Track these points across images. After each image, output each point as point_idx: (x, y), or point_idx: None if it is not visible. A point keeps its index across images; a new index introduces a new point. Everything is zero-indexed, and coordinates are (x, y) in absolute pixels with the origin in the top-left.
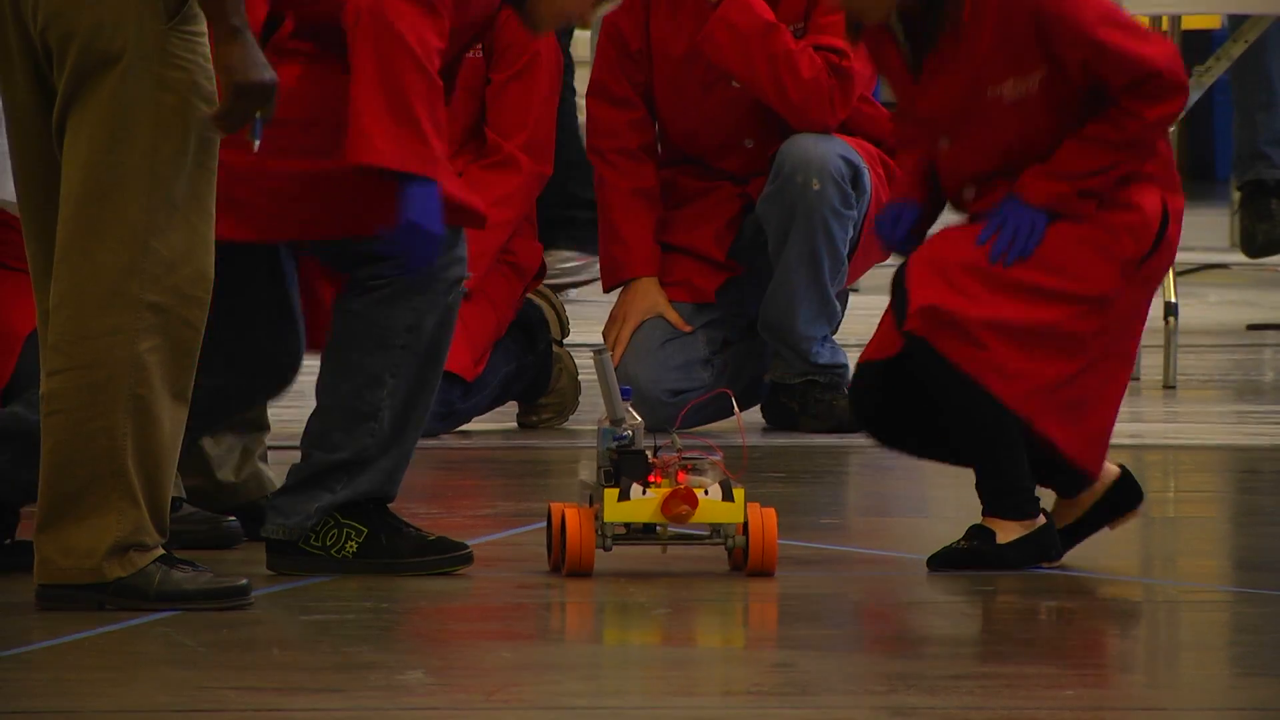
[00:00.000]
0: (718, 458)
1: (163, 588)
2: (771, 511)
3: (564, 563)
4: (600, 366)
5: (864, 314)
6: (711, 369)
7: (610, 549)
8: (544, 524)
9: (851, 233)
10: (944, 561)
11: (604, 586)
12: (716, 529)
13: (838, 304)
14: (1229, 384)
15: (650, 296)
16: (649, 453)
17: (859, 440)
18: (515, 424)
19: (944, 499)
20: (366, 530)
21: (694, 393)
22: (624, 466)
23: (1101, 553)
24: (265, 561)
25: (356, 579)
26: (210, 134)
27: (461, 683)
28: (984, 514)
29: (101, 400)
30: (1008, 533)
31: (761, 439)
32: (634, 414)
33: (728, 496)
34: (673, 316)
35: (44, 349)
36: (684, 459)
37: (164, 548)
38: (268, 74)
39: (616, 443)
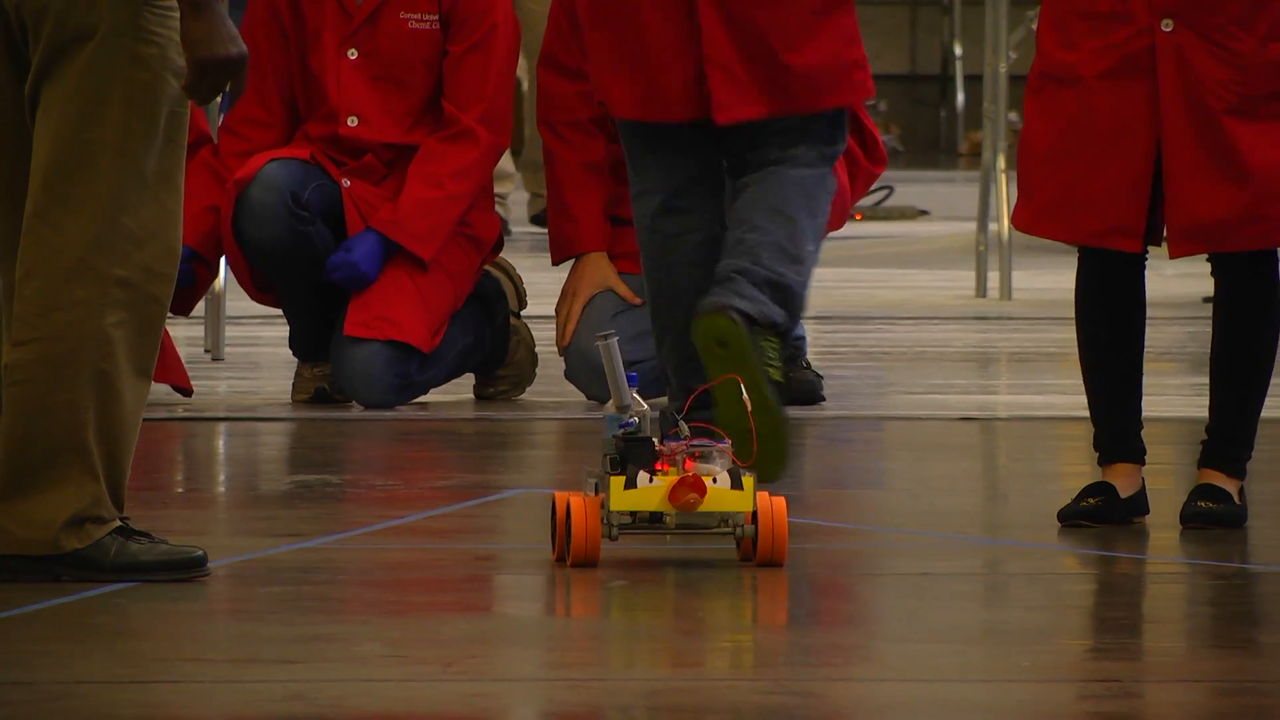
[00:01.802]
0: (726, 445)
1: (118, 559)
2: (781, 500)
3: (569, 553)
4: (606, 353)
5: (823, 287)
6: None
7: (616, 538)
8: (499, 495)
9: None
10: (1201, 518)
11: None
12: (725, 518)
13: None
14: (1185, 356)
15: (600, 271)
16: (656, 440)
17: (816, 412)
18: (472, 396)
19: (900, 471)
20: None
21: (647, 363)
22: (630, 454)
23: (1059, 525)
24: (219, 534)
25: (312, 551)
26: (182, 109)
27: (418, 654)
28: (1219, 467)
29: (65, 373)
30: (1234, 489)
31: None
32: (640, 401)
33: (736, 485)
34: (623, 290)
35: (9, 321)
36: (691, 446)
37: (121, 520)
38: (234, 48)
39: (622, 429)
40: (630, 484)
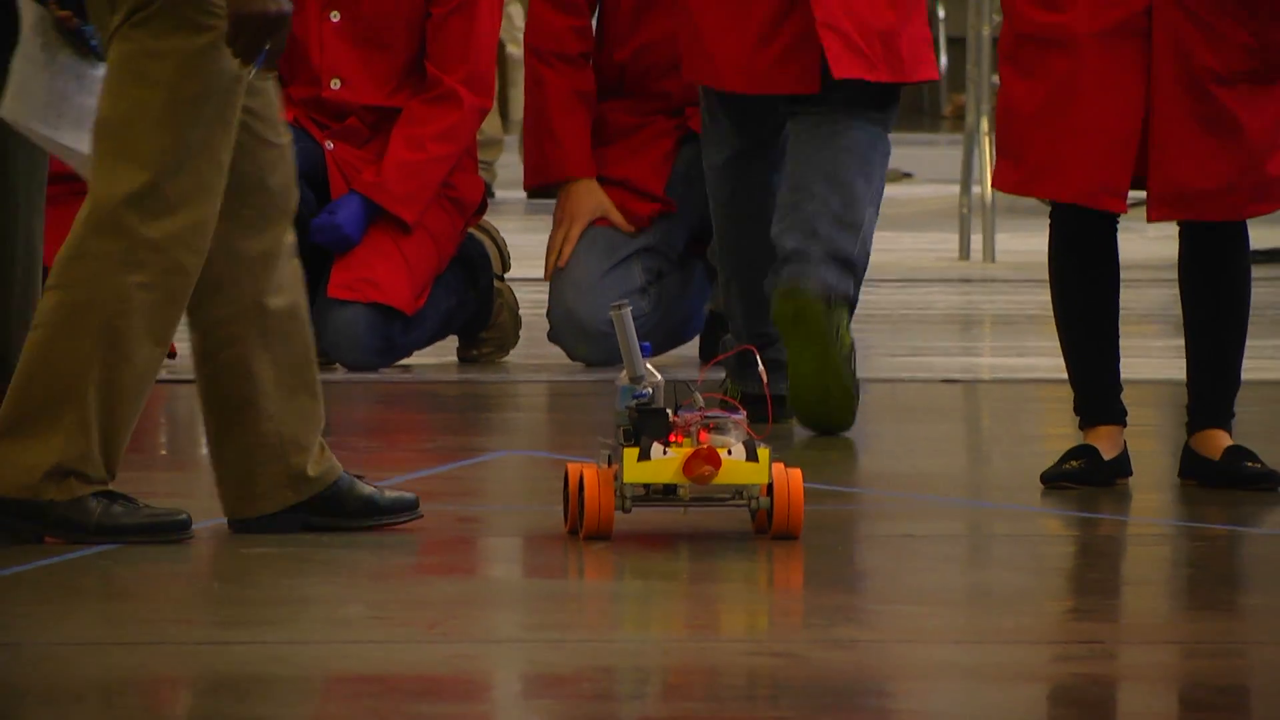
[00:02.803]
0: (741, 416)
1: (102, 521)
2: (797, 472)
3: (581, 526)
4: (619, 322)
5: None
6: (648, 298)
7: (630, 510)
8: (483, 458)
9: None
10: (1238, 479)
11: (544, 520)
12: (739, 490)
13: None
14: (1166, 318)
15: (595, 196)
16: (670, 411)
17: None
18: (455, 358)
19: (882, 434)
20: None
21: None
22: (644, 425)
23: (1041, 487)
24: (202, 497)
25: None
26: (236, 88)
27: (402, 616)
28: (1217, 425)
29: (76, 322)
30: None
31: (698, 372)
32: (654, 371)
33: (752, 457)
34: (617, 218)
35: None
36: (706, 418)
37: (105, 484)
38: (273, 5)
39: (636, 400)
40: (644, 456)
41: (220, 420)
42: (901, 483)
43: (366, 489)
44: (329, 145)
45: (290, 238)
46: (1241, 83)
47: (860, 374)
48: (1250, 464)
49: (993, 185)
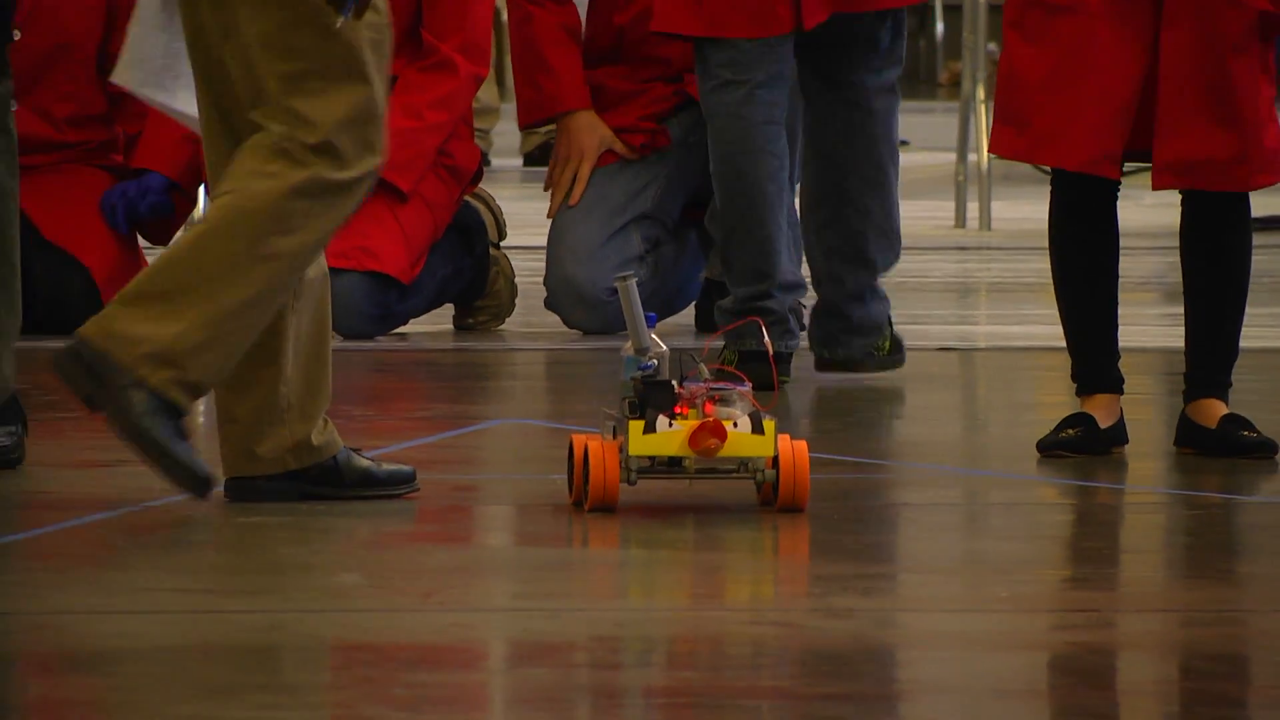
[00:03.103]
0: (746, 388)
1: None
2: (803, 444)
3: (586, 497)
4: (625, 293)
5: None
6: (646, 266)
7: (635, 483)
8: (479, 426)
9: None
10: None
11: (541, 488)
12: (745, 463)
13: None
14: (1163, 286)
15: (597, 130)
16: (675, 383)
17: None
18: (451, 326)
19: (878, 402)
20: None
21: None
22: (649, 397)
23: (1038, 455)
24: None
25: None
26: (384, 38)
27: (397, 585)
28: (1213, 394)
29: (233, 224)
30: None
31: (694, 342)
32: (659, 342)
33: (757, 429)
34: (621, 148)
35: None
36: (711, 390)
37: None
38: None
39: (641, 372)
40: (649, 428)
41: (241, 376)
42: (897, 451)
43: (364, 461)
44: None
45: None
46: (1254, 50)
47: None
48: (1246, 433)
49: (991, 151)
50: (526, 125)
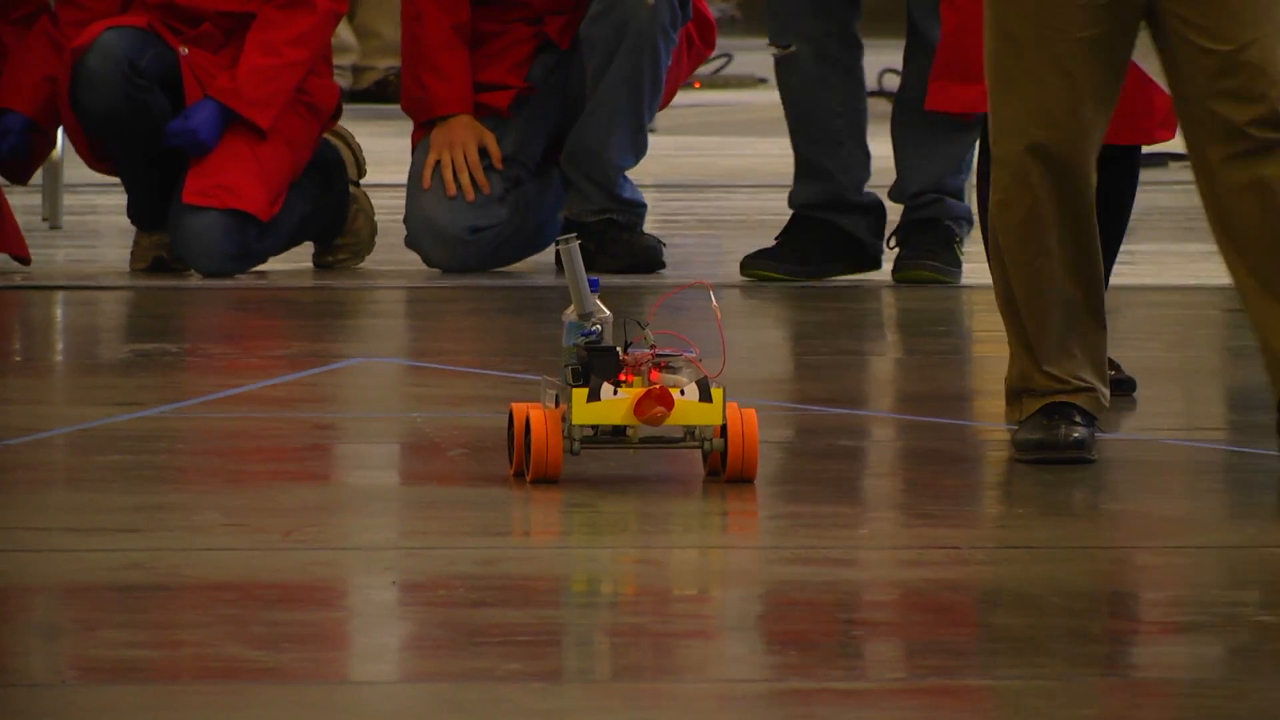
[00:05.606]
0: (694, 354)
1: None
2: (752, 412)
3: (529, 468)
4: (567, 256)
5: (661, 156)
6: (506, 205)
7: (578, 453)
8: (339, 364)
9: (669, 59)
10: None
11: (401, 427)
12: (692, 431)
13: (648, 136)
14: None
15: (475, 127)
16: (619, 349)
17: (658, 280)
18: (311, 264)
19: (734, 340)
20: None
21: (493, 229)
22: (593, 364)
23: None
24: (57, 403)
25: (151, 420)
26: None
27: (258, 523)
28: None
29: None
30: None
31: (556, 280)
32: (603, 308)
33: (705, 397)
34: (495, 150)
35: None
36: (657, 356)
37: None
38: None
39: (585, 338)
40: (594, 396)
41: None
42: (757, 390)
43: None
44: (184, 51)
45: None
46: None
47: (714, 279)
48: (1113, 371)
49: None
50: (422, 122)
